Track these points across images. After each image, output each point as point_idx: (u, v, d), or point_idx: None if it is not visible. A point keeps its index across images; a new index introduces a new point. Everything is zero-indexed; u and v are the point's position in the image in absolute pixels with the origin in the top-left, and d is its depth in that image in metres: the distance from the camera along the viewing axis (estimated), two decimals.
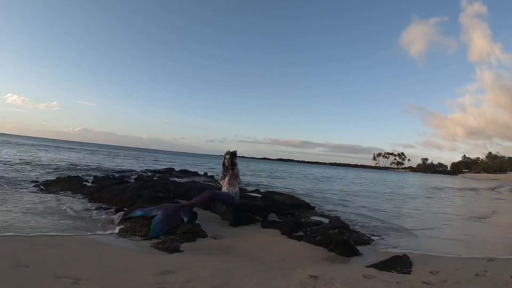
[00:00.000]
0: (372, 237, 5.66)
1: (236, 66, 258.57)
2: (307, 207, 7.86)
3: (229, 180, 5.88)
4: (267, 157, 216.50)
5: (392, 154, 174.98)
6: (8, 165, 13.37)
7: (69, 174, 11.09)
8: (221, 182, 6.19)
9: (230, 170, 5.83)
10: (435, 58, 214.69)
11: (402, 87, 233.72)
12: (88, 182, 9.54)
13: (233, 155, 5.89)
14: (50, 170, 13.47)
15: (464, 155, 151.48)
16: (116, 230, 4.87)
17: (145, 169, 17.56)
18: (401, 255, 4.21)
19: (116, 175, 12.80)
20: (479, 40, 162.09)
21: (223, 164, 6.03)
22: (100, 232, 4.73)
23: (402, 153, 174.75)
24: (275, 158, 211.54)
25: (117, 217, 5.49)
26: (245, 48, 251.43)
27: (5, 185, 7.99)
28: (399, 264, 3.84)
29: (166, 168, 17.54)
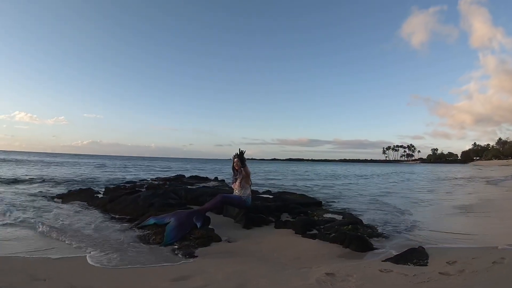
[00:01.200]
0: (386, 231, 5.63)
1: (238, 66, 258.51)
2: (319, 205, 7.84)
3: (240, 182, 5.88)
4: (276, 157, 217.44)
5: (401, 146, 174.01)
6: (22, 183, 13.55)
7: (80, 187, 11.19)
8: (232, 186, 6.19)
9: (241, 170, 5.80)
10: (437, 47, 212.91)
11: (406, 79, 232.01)
12: (100, 193, 9.64)
13: (241, 155, 5.85)
14: (62, 184, 13.63)
15: (475, 143, 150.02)
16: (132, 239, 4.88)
17: (155, 177, 17.73)
18: (416, 247, 4.19)
19: (127, 185, 12.90)
20: (480, 26, 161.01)
21: (233, 168, 6.04)
22: (114, 242, 4.72)
23: (411, 145, 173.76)
24: (284, 158, 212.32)
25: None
26: (245, 46, 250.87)
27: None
28: (415, 256, 3.81)
29: (176, 175, 17.70)
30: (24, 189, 11.16)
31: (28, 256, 3.90)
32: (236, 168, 5.95)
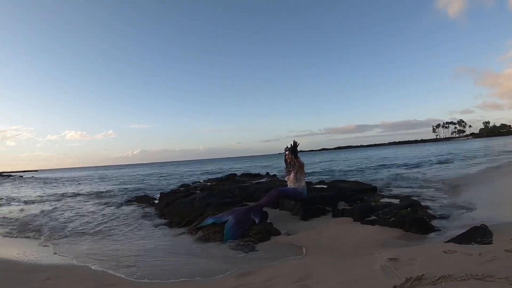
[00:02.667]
0: (446, 211, 5.54)
1: (279, 61, 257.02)
2: (374, 191, 7.81)
3: (294, 175, 5.92)
4: (325, 147, 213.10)
5: (451, 123, 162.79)
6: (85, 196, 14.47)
7: (136, 195, 11.70)
8: (286, 179, 6.25)
9: (294, 162, 5.84)
10: (475, 14, 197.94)
11: (448, 52, 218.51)
12: (156, 199, 9.97)
13: (294, 147, 5.86)
14: (117, 193, 14.13)
15: None
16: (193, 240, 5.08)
17: (208, 179, 18.22)
18: (479, 225, 4.12)
19: (181, 188, 13.22)
20: None
21: (285, 160, 6.09)
22: (176, 244, 4.87)
23: (461, 120, 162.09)
24: (333, 147, 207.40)
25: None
26: (284, 40, 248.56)
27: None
28: (479, 235, 3.75)
29: (228, 174, 17.96)
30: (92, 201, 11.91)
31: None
32: (289, 160, 5.99)
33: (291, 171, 6.02)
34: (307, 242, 4.51)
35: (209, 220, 5.49)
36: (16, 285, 3.15)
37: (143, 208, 8.60)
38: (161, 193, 10.93)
